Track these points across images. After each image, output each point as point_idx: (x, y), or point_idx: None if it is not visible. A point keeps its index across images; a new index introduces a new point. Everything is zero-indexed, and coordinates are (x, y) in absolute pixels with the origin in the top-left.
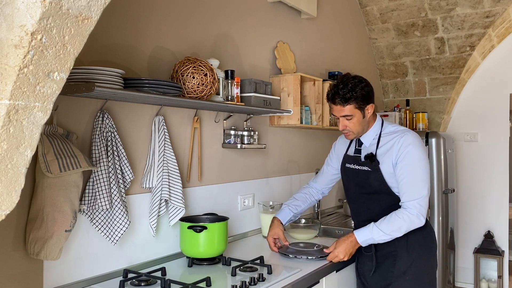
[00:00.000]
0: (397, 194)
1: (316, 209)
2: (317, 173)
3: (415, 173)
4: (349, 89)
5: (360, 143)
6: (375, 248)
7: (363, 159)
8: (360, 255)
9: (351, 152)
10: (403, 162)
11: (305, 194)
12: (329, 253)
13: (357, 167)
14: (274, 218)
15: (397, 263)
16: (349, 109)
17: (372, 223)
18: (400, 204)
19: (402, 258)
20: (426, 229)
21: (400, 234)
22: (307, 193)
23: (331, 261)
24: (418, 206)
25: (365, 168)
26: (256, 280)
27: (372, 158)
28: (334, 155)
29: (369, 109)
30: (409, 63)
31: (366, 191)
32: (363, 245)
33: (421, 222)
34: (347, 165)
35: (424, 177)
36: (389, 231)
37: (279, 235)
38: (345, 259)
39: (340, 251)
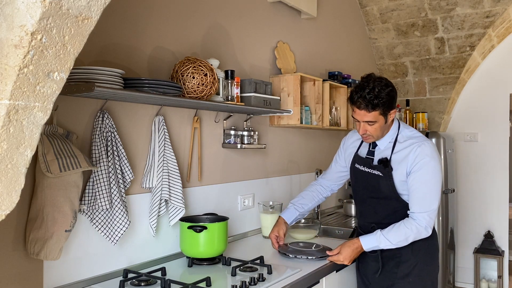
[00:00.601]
0: (405, 200)
1: (316, 209)
2: (317, 173)
3: (428, 185)
4: (375, 95)
5: (374, 145)
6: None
7: (375, 163)
8: (363, 255)
9: (362, 153)
10: (418, 173)
11: (312, 192)
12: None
13: (367, 170)
14: (279, 216)
15: (401, 265)
16: (373, 115)
17: (379, 231)
18: (408, 213)
19: (406, 261)
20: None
21: (406, 243)
22: (314, 191)
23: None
24: (428, 218)
25: (377, 172)
26: (256, 280)
27: (386, 164)
28: (342, 152)
29: (392, 114)
30: (409, 63)
31: (375, 195)
32: (367, 251)
33: (428, 234)
34: (357, 166)
35: (437, 190)
36: (396, 241)
37: (279, 234)
38: (349, 264)
39: (346, 257)
